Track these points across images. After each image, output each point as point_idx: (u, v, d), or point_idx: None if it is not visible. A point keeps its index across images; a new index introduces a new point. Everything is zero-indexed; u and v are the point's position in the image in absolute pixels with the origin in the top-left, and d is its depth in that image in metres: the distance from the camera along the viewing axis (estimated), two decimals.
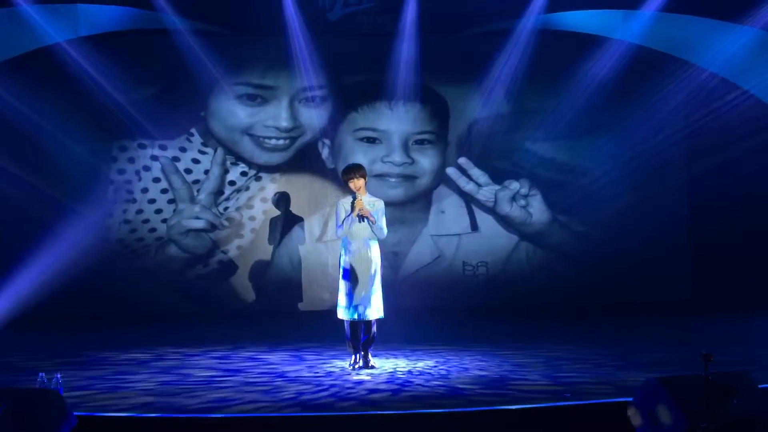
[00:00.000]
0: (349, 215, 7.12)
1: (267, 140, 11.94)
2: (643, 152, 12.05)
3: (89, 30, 11.04)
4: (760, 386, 5.03)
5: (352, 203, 7.12)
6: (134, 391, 6.35)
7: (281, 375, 7.05)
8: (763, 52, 10.97)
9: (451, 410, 5.56)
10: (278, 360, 7.86)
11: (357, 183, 7.17)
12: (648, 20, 11.21)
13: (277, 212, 11.96)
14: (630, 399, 4.93)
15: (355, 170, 7.23)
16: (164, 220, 11.79)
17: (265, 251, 11.94)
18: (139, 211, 11.76)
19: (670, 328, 10.23)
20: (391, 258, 11.73)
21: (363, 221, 7.13)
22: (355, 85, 12.04)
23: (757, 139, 11.30)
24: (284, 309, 11.72)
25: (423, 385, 6.49)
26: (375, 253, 7.20)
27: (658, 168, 12.18)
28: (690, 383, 4.74)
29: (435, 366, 7.40)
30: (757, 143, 11.28)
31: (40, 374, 5.33)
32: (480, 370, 7.20)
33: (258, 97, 11.90)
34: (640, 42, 11.58)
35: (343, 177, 7.30)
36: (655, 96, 11.87)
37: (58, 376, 5.34)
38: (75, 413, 4.82)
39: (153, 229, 11.78)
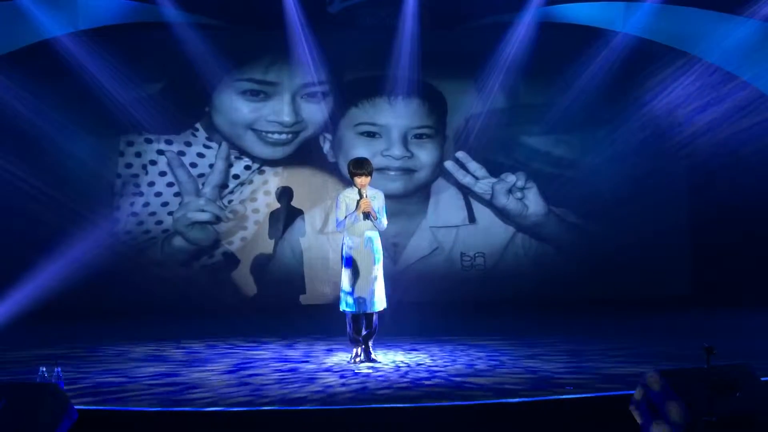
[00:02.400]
0: (353, 213, 6.86)
1: (270, 135, 11.81)
2: (643, 146, 11.79)
3: (89, 23, 10.83)
4: (762, 379, 4.81)
5: (358, 201, 6.84)
6: (135, 384, 6.12)
7: (282, 369, 6.81)
8: (765, 45, 10.68)
9: (452, 403, 5.35)
10: (280, 354, 7.62)
11: (363, 181, 6.89)
12: (650, 12, 10.90)
13: (279, 206, 11.79)
14: (632, 392, 4.70)
15: (365, 167, 6.92)
16: (170, 213, 11.66)
17: (268, 244, 11.76)
18: (146, 204, 11.63)
19: (671, 322, 9.84)
20: (391, 249, 11.58)
21: (366, 219, 6.87)
22: (355, 81, 11.88)
23: (760, 132, 11.02)
24: (286, 302, 11.54)
25: (425, 379, 6.27)
26: (377, 246, 6.96)
27: (658, 161, 11.89)
28: (692, 376, 4.54)
29: (436, 359, 7.16)
30: (759, 136, 11.00)
31: (41, 368, 5.09)
32: (480, 363, 6.96)
33: (261, 93, 11.77)
34: (641, 34, 11.29)
35: (350, 169, 6.99)
36: (656, 89, 11.63)
37: (59, 369, 5.10)
38: (76, 407, 4.58)
39: (159, 222, 11.66)
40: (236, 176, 11.78)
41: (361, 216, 6.85)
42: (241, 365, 6.97)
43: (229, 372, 6.65)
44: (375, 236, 6.97)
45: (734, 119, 11.22)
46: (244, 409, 5.26)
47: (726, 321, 9.64)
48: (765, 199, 10.91)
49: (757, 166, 10.92)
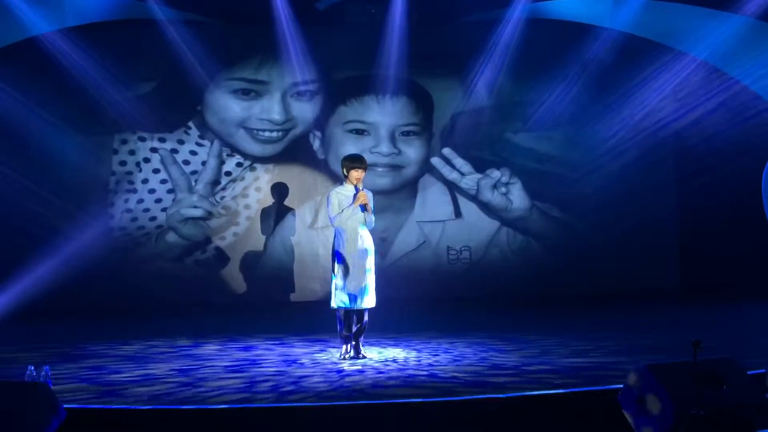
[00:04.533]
0: (350, 205, 6.67)
1: (261, 133, 11.68)
2: (631, 141, 11.66)
3: (77, 20, 10.59)
4: (749, 372, 4.66)
5: (355, 195, 6.66)
6: (124, 383, 5.90)
7: (273, 365, 6.61)
8: (752, 41, 10.49)
9: (440, 399, 5.16)
10: (270, 351, 7.41)
11: (359, 174, 6.72)
12: (637, 8, 10.71)
13: (270, 202, 11.64)
14: (619, 386, 4.54)
15: (362, 161, 6.79)
16: (164, 209, 11.54)
17: (259, 239, 11.64)
18: (140, 201, 11.51)
19: (657, 316, 9.64)
20: (379, 244, 11.37)
21: (363, 211, 6.68)
22: (344, 80, 11.78)
23: (746, 128, 10.84)
24: (277, 298, 11.39)
25: (413, 375, 6.08)
26: (368, 242, 6.77)
27: (645, 157, 11.73)
28: (679, 370, 4.37)
29: (425, 355, 6.95)
30: (745, 132, 10.82)
31: (29, 367, 4.87)
32: (468, 358, 6.77)
33: (252, 92, 11.66)
34: (629, 30, 11.12)
35: (347, 164, 6.77)
36: (644, 85, 11.48)
37: (47, 368, 4.88)
38: (65, 406, 4.37)
39: (153, 218, 11.53)
40: (228, 173, 11.67)
41: (359, 208, 6.67)
42: (232, 362, 6.76)
43: (219, 370, 6.43)
44: (366, 233, 6.79)
45: (721, 114, 11.07)
46: (232, 406, 5.06)
47: (713, 315, 9.46)
48: (752, 193, 10.68)
49: (743, 160, 10.67)
